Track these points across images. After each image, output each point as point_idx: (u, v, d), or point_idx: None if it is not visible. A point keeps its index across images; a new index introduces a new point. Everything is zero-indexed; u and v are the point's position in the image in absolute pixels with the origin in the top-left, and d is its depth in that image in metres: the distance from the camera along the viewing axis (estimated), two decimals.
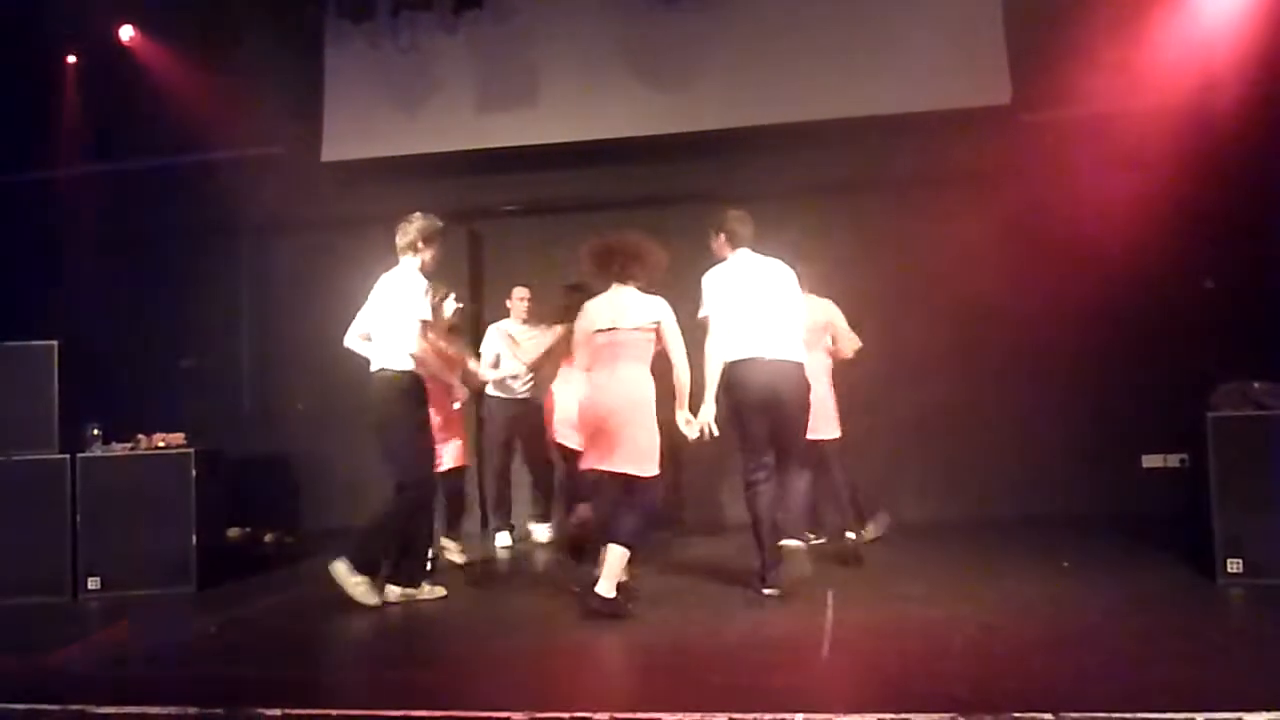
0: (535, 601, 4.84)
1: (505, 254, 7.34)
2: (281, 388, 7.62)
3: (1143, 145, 6.16)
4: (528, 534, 6.59)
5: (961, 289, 6.49)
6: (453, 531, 5.83)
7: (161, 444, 5.53)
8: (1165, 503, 5.73)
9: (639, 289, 4.45)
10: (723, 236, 4.71)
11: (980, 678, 3.24)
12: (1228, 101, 6.05)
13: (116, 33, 7.24)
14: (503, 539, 6.48)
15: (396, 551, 4.79)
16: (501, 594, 4.92)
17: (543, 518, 6.57)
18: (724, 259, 4.71)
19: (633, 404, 4.32)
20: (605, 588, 4.22)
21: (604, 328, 4.36)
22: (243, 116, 7.09)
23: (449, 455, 5.50)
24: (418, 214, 4.79)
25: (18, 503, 5.34)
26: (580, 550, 5.36)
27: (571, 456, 5.66)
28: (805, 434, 4.66)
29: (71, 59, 7.46)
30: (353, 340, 5.00)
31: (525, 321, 6.36)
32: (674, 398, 4.43)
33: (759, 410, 4.45)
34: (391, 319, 4.66)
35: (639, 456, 4.30)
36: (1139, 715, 2.78)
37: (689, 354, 4.44)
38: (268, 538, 7.06)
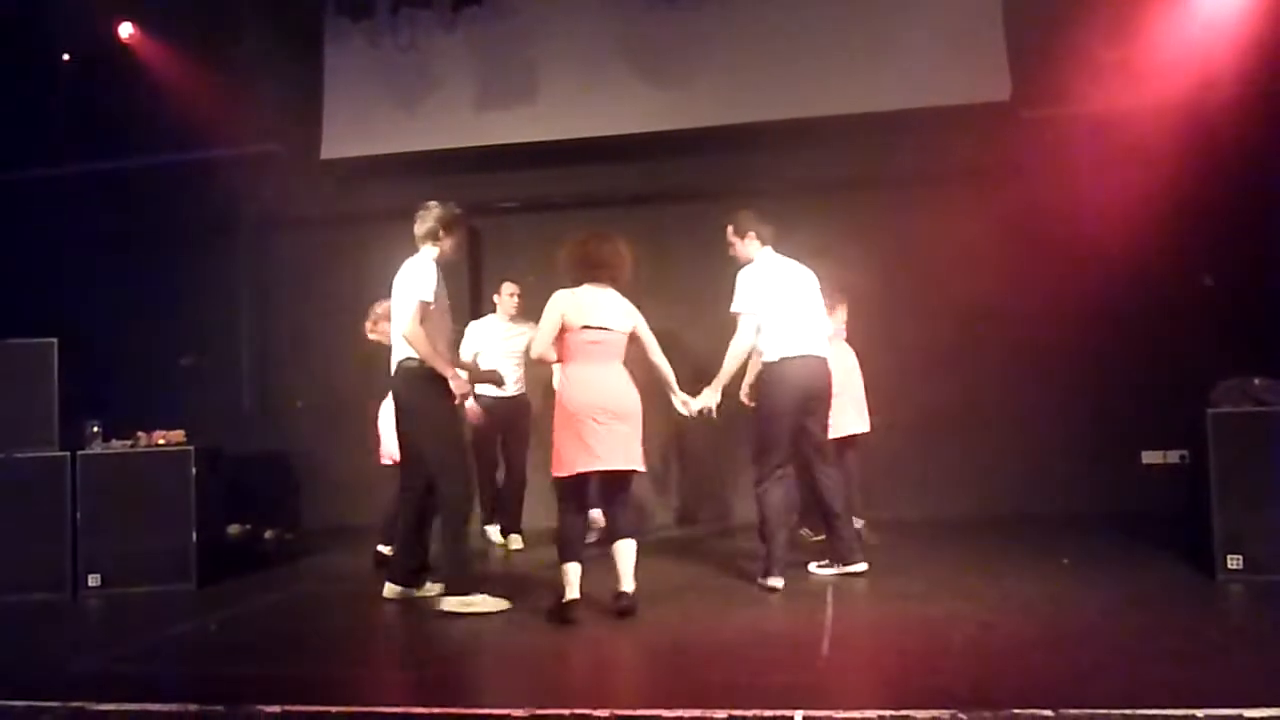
0: (534, 600, 4.84)
1: (505, 251, 7.34)
2: (281, 385, 7.62)
3: (1143, 142, 6.15)
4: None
5: (961, 286, 6.48)
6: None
7: (161, 441, 5.53)
8: (1165, 500, 5.73)
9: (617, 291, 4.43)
10: (751, 235, 4.75)
11: (980, 675, 3.24)
12: (1227, 98, 6.04)
13: (116, 31, 7.22)
14: (495, 537, 6.42)
15: (398, 548, 4.79)
16: (502, 592, 4.90)
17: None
18: (745, 258, 4.77)
19: (634, 402, 4.32)
20: (632, 584, 4.27)
21: (595, 325, 4.26)
22: (242, 114, 7.08)
23: None
24: (434, 202, 4.63)
25: (18, 500, 5.34)
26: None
27: None
28: (827, 427, 4.82)
29: (71, 57, 7.45)
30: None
31: (513, 318, 6.28)
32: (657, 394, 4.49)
33: (797, 408, 4.56)
34: (400, 306, 4.51)
35: (639, 454, 4.33)
36: (1139, 712, 2.78)
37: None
38: (267, 535, 7.06)
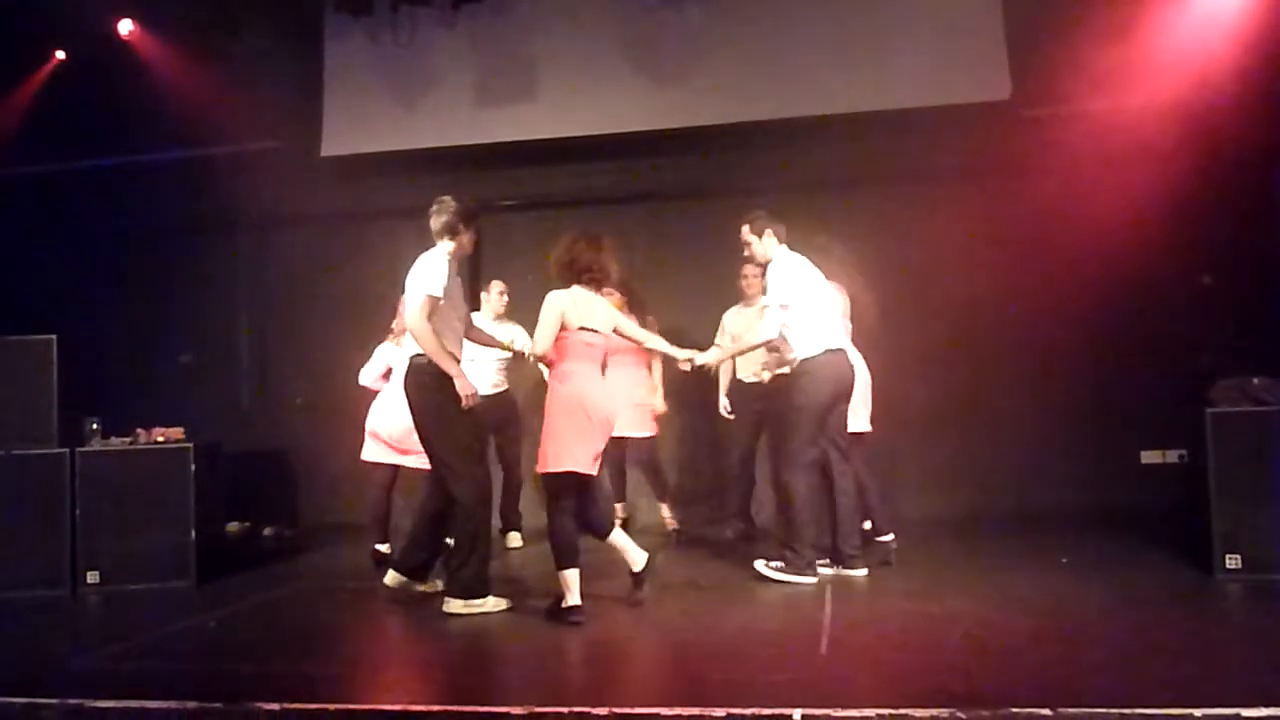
0: (534, 599, 4.84)
1: (504, 249, 7.33)
2: (280, 382, 7.61)
3: (1143, 141, 6.14)
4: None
5: (961, 285, 6.49)
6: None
7: (160, 439, 5.52)
8: (1164, 498, 5.73)
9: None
10: (769, 233, 4.79)
11: (978, 673, 3.24)
12: (1227, 98, 6.04)
13: (116, 27, 7.21)
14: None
15: (409, 540, 4.70)
16: (500, 591, 4.91)
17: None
18: (764, 257, 4.81)
19: (614, 406, 4.41)
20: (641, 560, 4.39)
21: (589, 327, 4.28)
22: (242, 111, 7.07)
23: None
24: (448, 197, 4.51)
25: (17, 497, 5.34)
26: None
27: None
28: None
29: (71, 53, 7.44)
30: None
31: (499, 317, 6.24)
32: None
33: (829, 403, 4.64)
34: (409, 300, 4.39)
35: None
36: (1137, 711, 2.78)
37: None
38: (266, 532, 7.06)
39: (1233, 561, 4.44)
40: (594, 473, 4.27)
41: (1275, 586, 4.28)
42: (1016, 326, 6.47)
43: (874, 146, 6.62)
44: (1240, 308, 6.06)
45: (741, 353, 4.86)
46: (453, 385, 4.31)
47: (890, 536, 5.12)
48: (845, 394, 4.78)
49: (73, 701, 3.32)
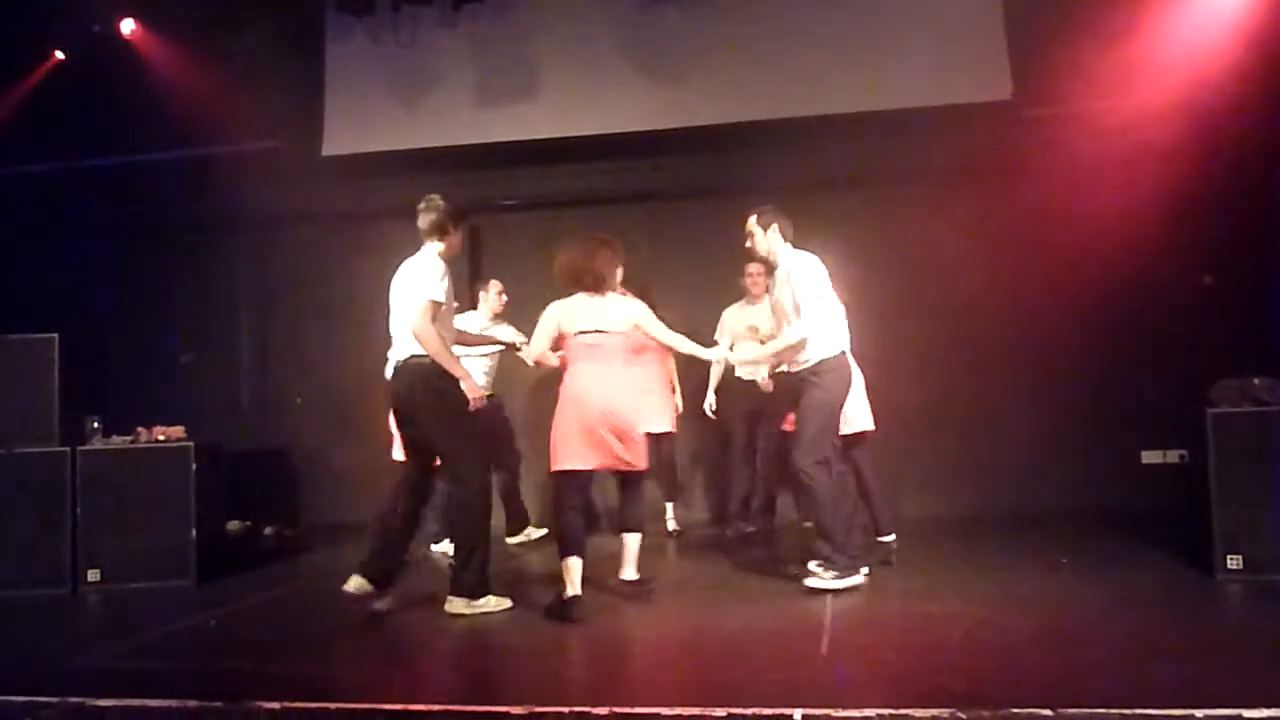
0: (534, 598, 4.84)
1: (505, 249, 7.34)
2: (281, 381, 7.62)
3: (1143, 141, 6.15)
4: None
5: (962, 285, 6.49)
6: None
7: (161, 437, 5.53)
8: (1164, 499, 5.73)
9: (617, 293, 4.58)
10: (774, 229, 4.72)
11: (978, 673, 3.24)
12: (1228, 98, 6.04)
13: (117, 26, 7.22)
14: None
15: (382, 547, 4.49)
16: (501, 590, 4.91)
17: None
18: (765, 253, 4.77)
19: (631, 402, 4.47)
20: (634, 573, 4.53)
21: (589, 329, 4.40)
22: (243, 111, 7.07)
23: None
24: (436, 196, 4.49)
25: (18, 495, 5.35)
26: None
27: None
28: None
29: (72, 52, 7.44)
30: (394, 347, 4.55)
31: (496, 317, 6.22)
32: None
33: (845, 400, 4.68)
34: (409, 303, 4.35)
35: (639, 451, 4.46)
36: (1137, 711, 2.78)
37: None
38: (267, 531, 7.05)
39: (1233, 562, 4.43)
40: (588, 468, 4.37)
41: (1276, 587, 4.27)
42: (1017, 326, 6.47)
43: (874, 146, 6.62)
44: (1241, 308, 6.05)
45: (779, 352, 4.69)
46: (457, 386, 4.31)
47: (891, 537, 5.10)
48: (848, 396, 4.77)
49: (73, 700, 3.32)
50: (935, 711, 2.84)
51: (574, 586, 4.23)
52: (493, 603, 4.42)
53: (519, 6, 7.11)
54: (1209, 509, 4.48)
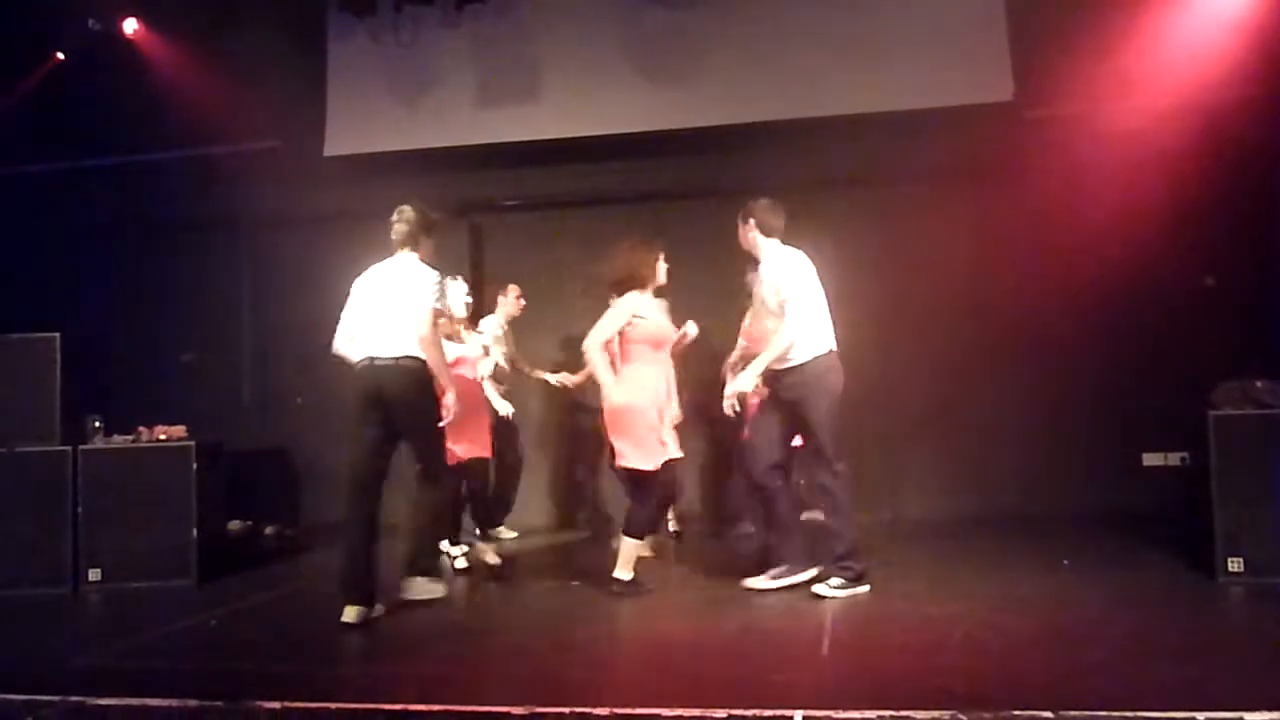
0: (535, 598, 4.84)
1: (506, 249, 7.34)
2: (282, 381, 7.62)
3: (1145, 142, 6.15)
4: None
5: (963, 286, 6.49)
6: (473, 529, 5.81)
7: (162, 437, 5.53)
8: (1165, 501, 5.73)
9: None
10: (752, 224, 4.64)
11: (979, 675, 3.24)
12: (1230, 99, 6.04)
13: (119, 26, 7.22)
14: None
15: (363, 565, 4.55)
16: (501, 590, 4.92)
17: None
18: (753, 247, 4.67)
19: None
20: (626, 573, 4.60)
21: (657, 328, 4.59)
22: (245, 111, 7.08)
23: (478, 444, 5.40)
24: (408, 206, 4.63)
25: (19, 494, 5.35)
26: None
27: None
28: None
29: (74, 52, 7.45)
30: (342, 344, 4.72)
31: (514, 320, 6.24)
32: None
33: (833, 408, 4.51)
34: (406, 309, 4.47)
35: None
36: (1138, 714, 2.77)
37: None
38: (268, 531, 7.05)
39: (1235, 564, 4.43)
40: (678, 456, 4.65)
41: (1277, 589, 4.27)
42: (1018, 327, 6.46)
43: (876, 147, 6.63)
44: (1242, 310, 6.05)
45: (775, 358, 4.45)
46: (439, 393, 4.51)
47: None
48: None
49: (74, 699, 3.32)
50: (936, 713, 2.84)
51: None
52: (436, 587, 4.73)
53: (521, 7, 7.12)
54: (1210, 511, 4.48)
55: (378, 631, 4.39)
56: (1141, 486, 6.33)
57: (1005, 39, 6.47)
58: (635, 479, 4.65)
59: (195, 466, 5.42)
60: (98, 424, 5.53)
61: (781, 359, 4.48)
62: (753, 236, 4.64)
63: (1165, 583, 4.58)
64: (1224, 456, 4.48)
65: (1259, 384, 4.55)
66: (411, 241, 4.59)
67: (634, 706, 3.02)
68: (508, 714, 3.02)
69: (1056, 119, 6.45)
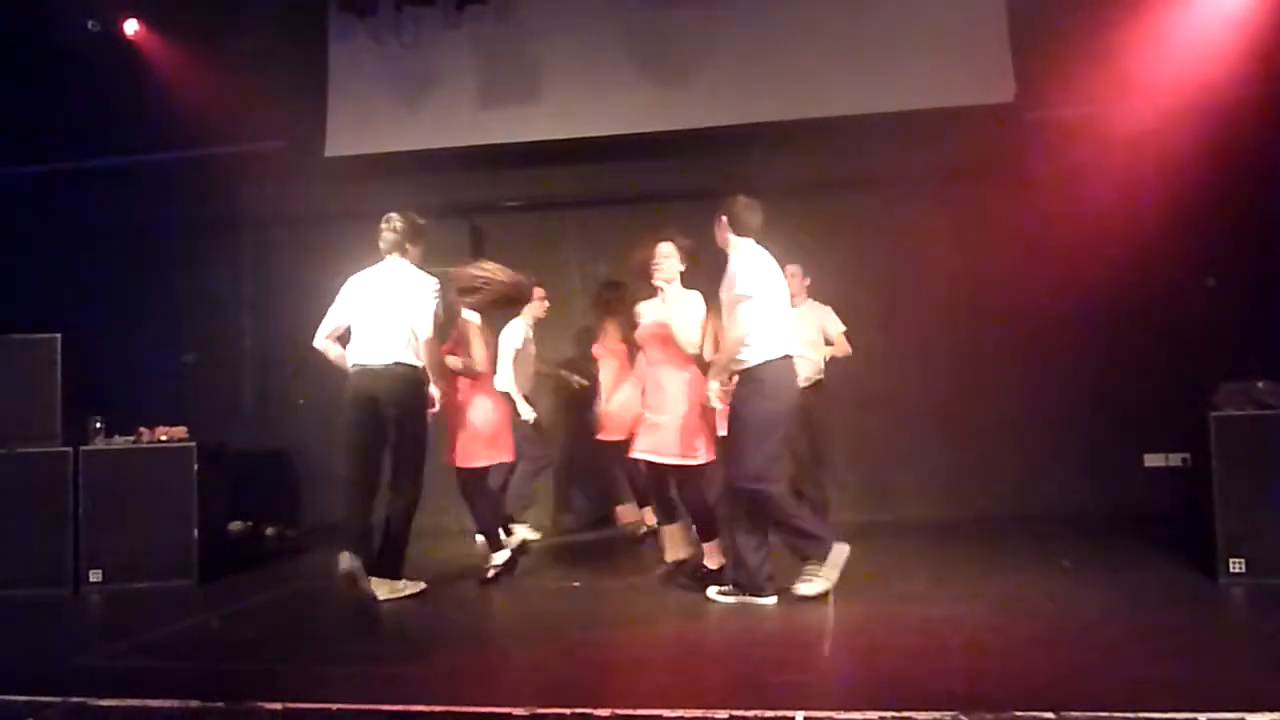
0: (536, 598, 4.84)
1: (507, 249, 7.32)
2: (282, 382, 7.61)
3: (1146, 143, 6.14)
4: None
5: (963, 286, 6.49)
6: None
7: (164, 437, 5.54)
8: (1167, 502, 5.72)
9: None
10: (725, 220, 4.50)
11: (981, 675, 3.24)
12: (1231, 100, 6.03)
13: (120, 26, 7.22)
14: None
15: (386, 544, 4.81)
16: (503, 590, 4.92)
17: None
18: (726, 244, 4.52)
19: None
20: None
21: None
22: (246, 111, 7.07)
23: (508, 448, 5.39)
24: (395, 213, 4.79)
25: (20, 495, 5.35)
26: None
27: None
28: None
29: (75, 52, 7.44)
30: (323, 341, 4.82)
31: (539, 322, 6.27)
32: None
33: (792, 407, 4.37)
34: (402, 314, 4.63)
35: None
36: (1140, 715, 2.77)
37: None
38: (269, 531, 7.06)
39: (1236, 565, 4.43)
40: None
41: (1279, 590, 4.27)
42: (1019, 328, 6.46)
43: (877, 148, 6.62)
44: (1244, 311, 6.05)
45: (727, 358, 4.30)
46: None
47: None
48: (797, 404, 4.45)
49: (75, 700, 3.33)
50: (937, 714, 2.84)
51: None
52: (410, 585, 4.81)
53: (521, 8, 7.12)
54: (1211, 512, 4.48)
55: (379, 632, 4.40)
56: (1143, 487, 6.33)
57: (1006, 40, 6.46)
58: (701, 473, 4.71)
59: (196, 467, 5.42)
60: (99, 425, 5.53)
61: (734, 360, 4.31)
62: (726, 234, 4.52)
63: (1166, 583, 4.57)
64: (1225, 457, 4.48)
65: (1260, 384, 4.55)
66: (399, 248, 4.75)
67: (636, 707, 3.02)
68: (509, 714, 3.02)
69: (1057, 120, 6.45)
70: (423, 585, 4.87)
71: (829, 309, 6.01)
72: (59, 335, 5.51)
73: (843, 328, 5.95)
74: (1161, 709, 2.80)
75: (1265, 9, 5.93)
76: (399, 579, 4.79)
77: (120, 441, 5.53)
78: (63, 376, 5.46)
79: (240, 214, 7.54)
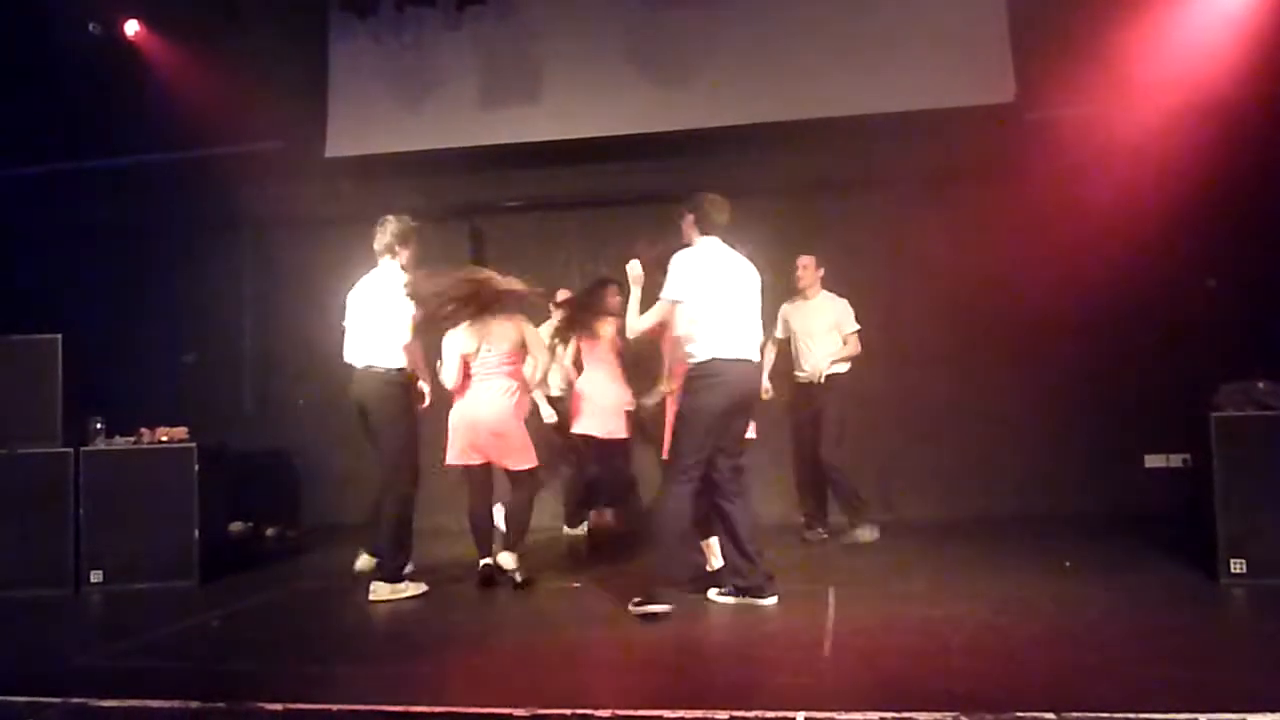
0: (536, 598, 4.84)
1: (508, 249, 7.34)
2: (283, 382, 7.62)
3: (1146, 144, 6.14)
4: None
5: (964, 287, 6.49)
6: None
7: (164, 438, 5.53)
8: (1167, 503, 5.72)
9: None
10: (691, 218, 4.41)
11: (981, 676, 3.24)
12: (1231, 99, 6.03)
13: (120, 27, 7.23)
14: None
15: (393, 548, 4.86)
16: (504, 590, 4.91)
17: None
18: (691, 242, 4.41)
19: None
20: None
21: None
22: (246, 111, 7.07)
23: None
24: (390, 217, 4.93)
25: (21, 496, 5.34)
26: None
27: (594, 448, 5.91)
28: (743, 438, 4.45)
29: (74, 52, 7.43)
30: (352, 354, 4.94)
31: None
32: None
33: (722, 413, 4.18)
34: (383, 316, 4.76)
35: None
36: (1141, 715, 2.77)
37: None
38: (269, 532, 7.07)
39: (1237, 565, 4.43)
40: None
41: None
42: (1019, 328, 6.46)
43: (877, 149, 6.62)
44: (1245, 311, 6.05)
45: (673, 359, 4.36)
46: (412, 394, 4.88)
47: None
48: (741, 410, 4.30)
49: (76, 700, 3.33)
50: (938, 714, 2.84)
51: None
52: (410, 587, 4.85)
53: (522, 8, 7.12)
54: (1212, 512, 4.48)
55: (380, 632, 4.40)
56: (1143, 488, 6.33)
57: (1007, 40, 6.46)
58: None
59: (197, 468, 5.42)
60: (99, 425, 5.53)
61: (675, 360, 4.38)
62: (691, 231, 4.42)
63: (1167, 584, 4.57)
64: (1226, 458, 4.48)
65: (1261, 385, 4.55)
66: (390, 251, 4.90)
67: (636, 708, 3.02)
68: (509, 714, 3.02)
69: (1058, 120, 6.45)
70: (424, 587, 4.88)
71: (845, 303, 5.95)
72: (59, 336, 5.50)
73: (855, 326, 5.92)
74: (1162, 709, 2.80)
75: (1266, 9, 5.93)
76: (399, 581, 4.80)
77: (121, 442, 5.52)
78: (63, 377, 5.45)
79: (240, 214, 7.53)
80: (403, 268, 4.88)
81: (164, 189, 7.46)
